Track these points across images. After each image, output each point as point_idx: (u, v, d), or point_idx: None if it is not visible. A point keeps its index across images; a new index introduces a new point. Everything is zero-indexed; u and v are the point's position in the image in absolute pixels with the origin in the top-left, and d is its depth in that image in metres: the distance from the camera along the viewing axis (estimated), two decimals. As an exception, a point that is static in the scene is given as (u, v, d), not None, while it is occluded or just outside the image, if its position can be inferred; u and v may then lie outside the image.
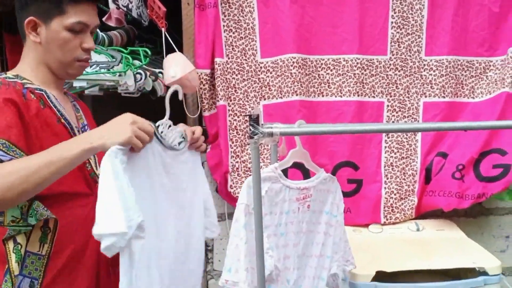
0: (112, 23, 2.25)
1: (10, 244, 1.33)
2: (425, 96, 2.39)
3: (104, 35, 2.24)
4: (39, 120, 1.36)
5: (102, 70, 2.14)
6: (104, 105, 3.47)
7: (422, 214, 2.42)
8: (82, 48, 1.46)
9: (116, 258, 1.21)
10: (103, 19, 2.24)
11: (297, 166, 1.75)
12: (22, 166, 1.21)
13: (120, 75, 2.14)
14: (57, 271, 1.38)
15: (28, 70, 1.45)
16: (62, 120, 1.44)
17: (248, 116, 1.29)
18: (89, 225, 1.17)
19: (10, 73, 1.44)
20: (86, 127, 1.56)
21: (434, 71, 2.38)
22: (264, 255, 1.34)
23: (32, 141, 1.32)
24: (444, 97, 2.38)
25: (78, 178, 1.44)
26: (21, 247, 1.34)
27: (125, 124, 1.25)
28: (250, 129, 1.28)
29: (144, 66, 2.23)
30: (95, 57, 2.16)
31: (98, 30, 2.19)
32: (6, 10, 2.22)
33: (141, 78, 2.18)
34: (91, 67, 2.13)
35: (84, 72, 2.09)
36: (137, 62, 2.22)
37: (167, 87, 2.30)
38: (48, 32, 1.42)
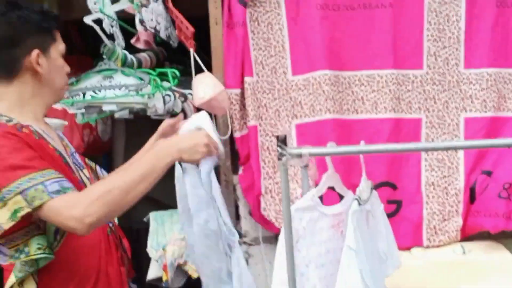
0: (140, 46, 2.24)
1: None
2: (466, 111, 2.29)
3: (133, 58, 2.22)
4: (38, 148, 1.34)
5: (131, 93, 2.12)
6: (137, 129, 3.47)
7: (468, 236, 2.30)
8: (66, 73, 1.50)
9: None
10: (132, 41, 2.23)
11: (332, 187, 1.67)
12: (116, 185, 1.28)
13: (149, 97, 2.12)
14: None
15: (15, 108, 1.39)
16: (56, 152, 1.43)
17: (276, 137, 1.27)
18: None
19: None
20: (74, 153, 1.56)
21: (474, 85, 2.27)
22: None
23: None
24: (486, 111, 2.27)
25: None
26: None
27: (201, 146, 1.41)
28: (278, 151, 1.28)
29: (173, 87, 2.20)
30: (124, 79, 2.14)
31: (126, 52, 2.18)
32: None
33: (170, 100, 2.15)
34: (120, 89, 2.12)
35: (113, 95, 2.11)
36: (166, 84, 2.19)
37: (197, 109, 2.26)
38: (49, 61, 1.41)
